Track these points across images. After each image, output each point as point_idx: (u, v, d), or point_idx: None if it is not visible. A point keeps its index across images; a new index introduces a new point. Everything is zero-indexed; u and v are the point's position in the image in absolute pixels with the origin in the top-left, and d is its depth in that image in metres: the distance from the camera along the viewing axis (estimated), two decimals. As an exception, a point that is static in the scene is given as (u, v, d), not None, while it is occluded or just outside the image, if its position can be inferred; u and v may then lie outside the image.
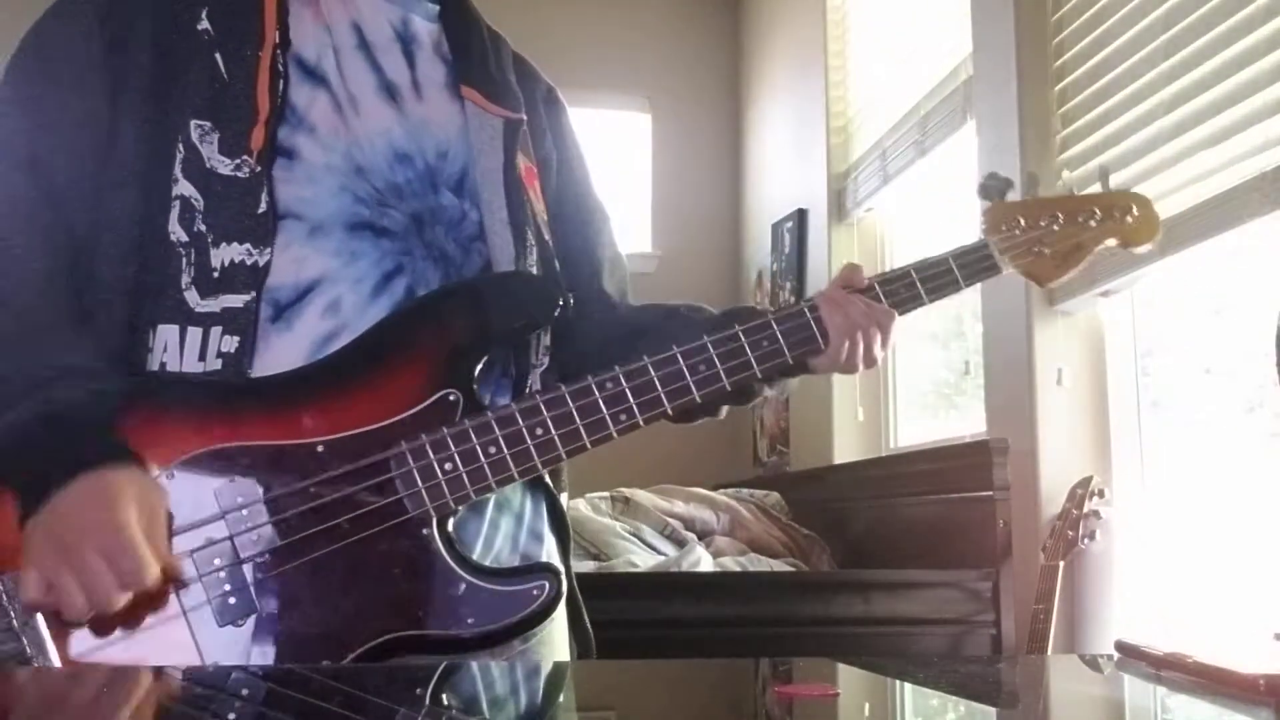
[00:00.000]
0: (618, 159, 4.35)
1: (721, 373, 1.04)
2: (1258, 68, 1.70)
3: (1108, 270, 2.01)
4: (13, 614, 0.87)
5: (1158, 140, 1.91)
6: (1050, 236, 1.17)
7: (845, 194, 3.40)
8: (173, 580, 0.89)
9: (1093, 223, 1.18)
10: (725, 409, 1.21)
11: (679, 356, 1.03)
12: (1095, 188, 1.24)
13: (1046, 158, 2.22)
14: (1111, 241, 1.19)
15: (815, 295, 1.11)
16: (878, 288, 1.12)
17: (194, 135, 0.98)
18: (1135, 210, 1.19)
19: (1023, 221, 1.16)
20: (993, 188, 1.18)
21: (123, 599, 0.86)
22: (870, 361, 1.11)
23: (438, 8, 1.14)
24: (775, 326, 1.07)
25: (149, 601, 0.88)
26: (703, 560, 2.38)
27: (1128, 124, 1.99)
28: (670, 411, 1.03)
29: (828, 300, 1.10)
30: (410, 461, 0.95)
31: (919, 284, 1.13)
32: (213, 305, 0.96)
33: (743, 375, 1.05)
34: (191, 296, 0.96)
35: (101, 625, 0.88)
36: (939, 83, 2.77)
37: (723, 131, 4.47)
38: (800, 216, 3.66)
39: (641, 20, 4.46)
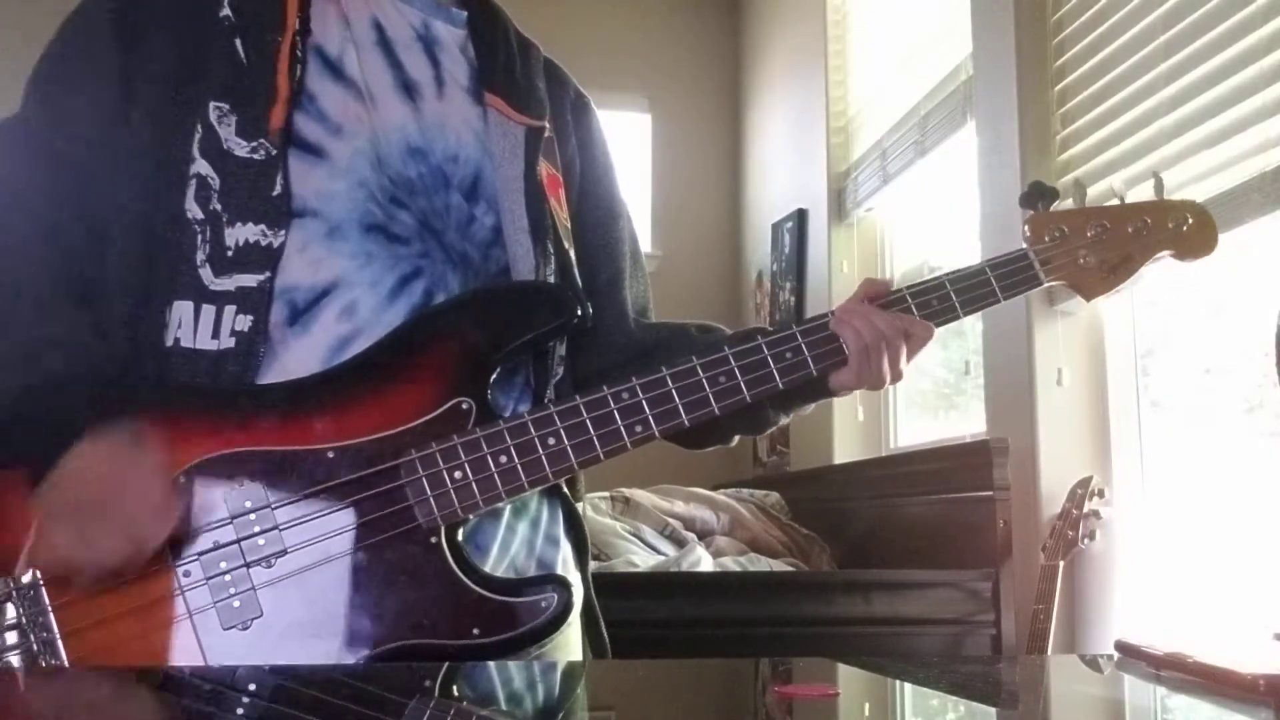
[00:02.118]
0: (618, 159, 4.35)
1: (742, 384, 1.01)
2: (1258, 68, 1.70)
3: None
4: (21, 613, 0.87)
5: (1158, 140, 1.91)
6: (1097, 248, 1.11)
7: (845, 194, 3.40)
8: (172, 540, 0.89)
9: (1144, 233, 1.11)
10: (737, 436, 1.19)
11: (699, 368, 1.00)
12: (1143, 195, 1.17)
13: (1046, 158, 2.22)
14: (1165, 253, 1.13)
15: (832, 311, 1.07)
16: (909, 299, 1.07)
17: (212, 116, 0.99)
18: (1190, 220, 1.12)
19: (1066, 231, 1.10)
20: (1035, 196, 1.12)
21: (138, 557, 0.88)
22: (896, 375, 1.06)
23: (465, 14, 1.14)
24: (800, 338, 1.04)
25: (150, 586, 0.89)
26: (703, 560, 2.38)
27: (1128, 124, 1.99)
28: (688, 423, 1.00)
29: (840, 313, 1.06)
30: (419, 470, 0.94)
31: (953, 295, 1.07)
32: (227, 284, 0.96)
33: (764, 388, 1.02)
34: (206, 274, 0.96)
35: (107, 621, 0.88)
36: (939, 83, 2.77)
37: (723, 131, 4.47)
38: (800, 216, 3.67)
39: (641, 20, 4.46)
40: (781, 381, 1.03)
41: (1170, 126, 1.88)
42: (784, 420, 1.15)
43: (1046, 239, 1.11)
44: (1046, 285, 1.11)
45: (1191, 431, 2.03)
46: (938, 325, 1.08)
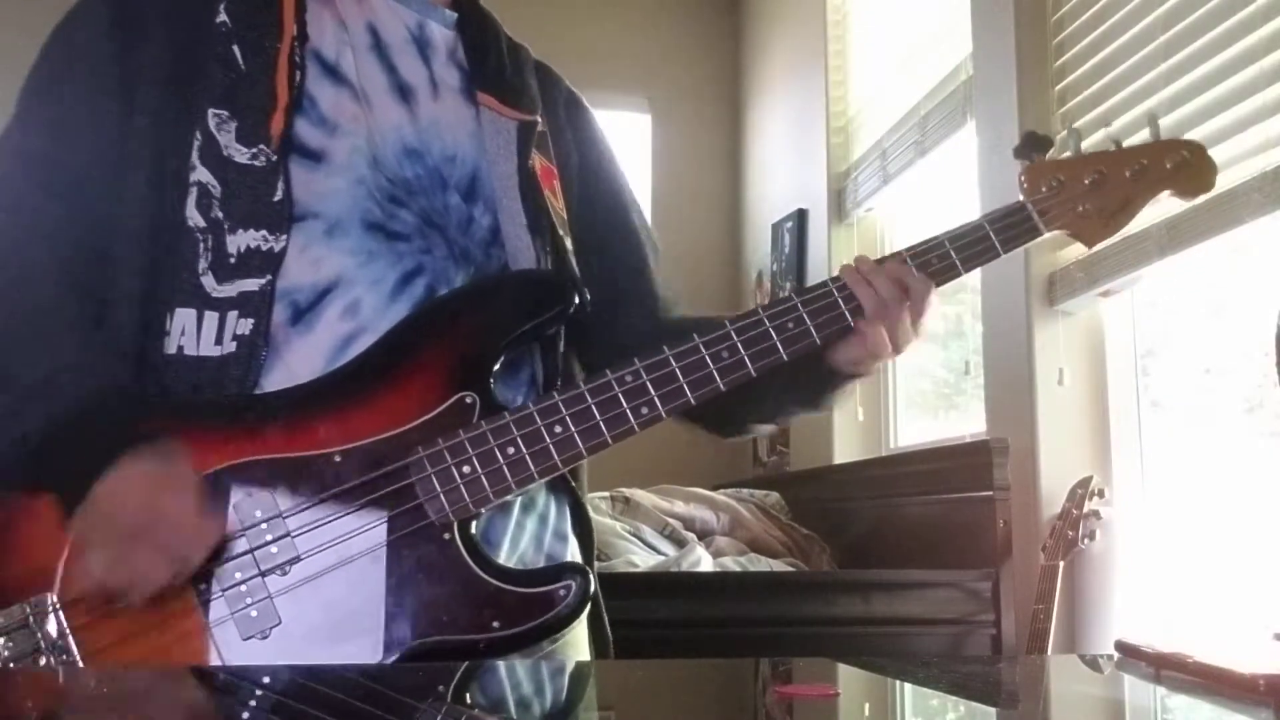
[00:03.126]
0: (619, 154, 4.35)
1: (746, 359, 1.00)
2: (1258, 68, 1.70)
3: (1108, 270, 2.01)
4: (39, 636, 0.87)
5: (1158, 140, 1.91)
6: (1095, 194, 1.09)
7: (845, 194, 3.40)
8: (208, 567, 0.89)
9: (1142, 176, 1.10)
10: (765, 427, 1.17)
11: (700, 345, 1.00)
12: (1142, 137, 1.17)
13: (1046, 158, 2.21)
14: (1165, 192, 1.11)
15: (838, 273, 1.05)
16: (909, 260, 1.06)
17: (211, 124, 0.99)
18: (1188, 157, 1.11)
19: (1063, 180, 1.10)
20: (1029, 147, 1.11)
21: (179, 579, 0.88)
22: (905, 337, 1.04)
23: (455, 16, 1.14)
24: (801, 307, 1.02)
25: (166, 601, 0.89)
26: (703, 560, 2.38)
27: (1127, 124, 1.99)
28: (694, 401, 0.99)
29: (851, 273, 1.03)
30: (428, 467, 0.94)
31: (953, 253, 1.06)
32: (230, 290, 0.96)
33: (769, 360, 1.00)
34: (209, 281, 0.96)
35: (125, 639, 0.88)
36: (939, 83, 2.77)
37: (723, 131, 4.47)
38: (800, 216, 3.66)
39: (641, 20, 4.46)
40: (785, 352, 1.01)
41: (1170, 127, 1.88)
42: (798, 412, 1.13)
43: (1044, 189, 1.10)
44: (1047, 235, 1.10)
45: (1191, 431, 2.03)
46: (939, 284, 1.06)
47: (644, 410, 0.98)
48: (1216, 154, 1.76)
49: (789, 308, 1.03)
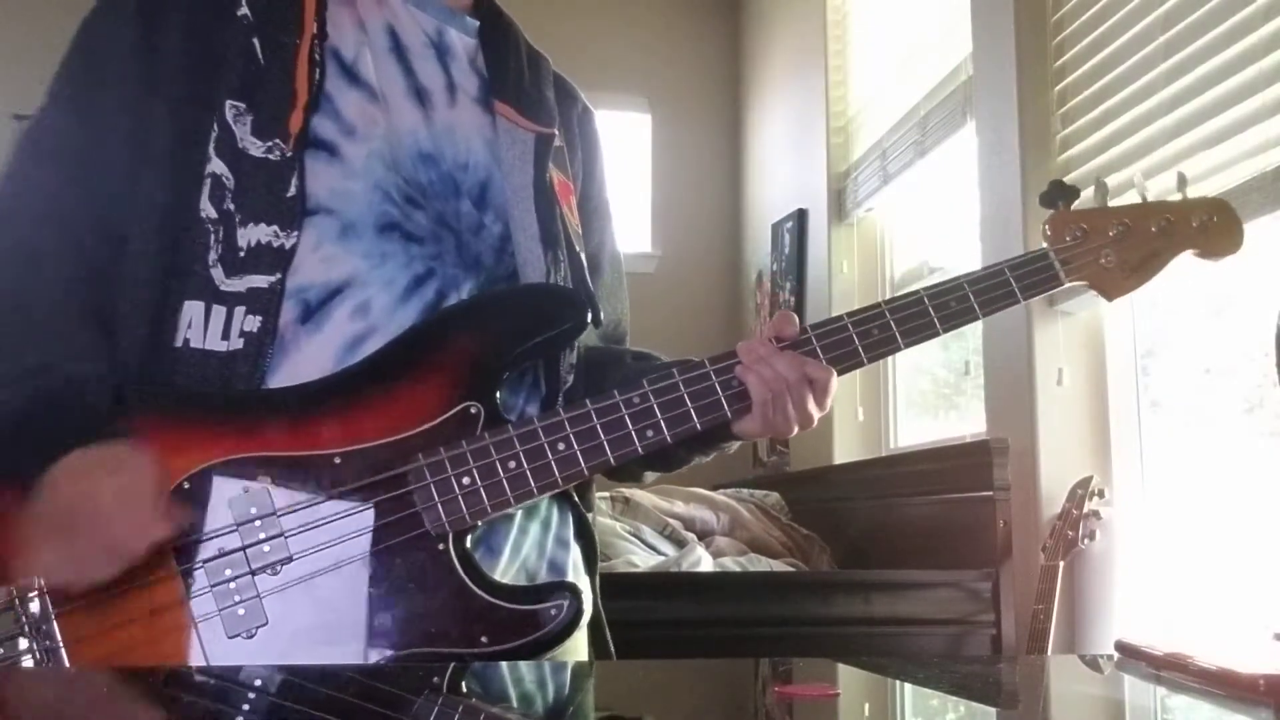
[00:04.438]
0: (618, 159, 4.36)
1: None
2: (1257, 68, 1.70)
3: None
4: (24, 621, 0.87)
5: (1158, 140, 1.91)
6: (1118, 247, 1.09)
7: (845, 194, 3.40)
8: (160, 545, 0.88)
9: (1167, 232, 1.10)
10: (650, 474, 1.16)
11: (712, 374, 1.01)
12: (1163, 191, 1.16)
13: (1046, 158, 2.22)
14: (1189, 251, 1.11)
15: (735, 350, 1.02)
16: (926, 300, 1.04)
17: (229, 115, 0.99)
18: (1215, 218, 1.10)
19: (1087, 230, 1.09)
20: (1056, 195, 1.11)
21: (110, 570, 0.86)
22: (805, 421, 1.02)
23: (477, 24, 1.14)
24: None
25: (154, 593, 0.88)
26: (703, 560, 2.38)
27: (1128, 124, 1.99)
28: (700, 427, 0.99)
29: (744, 356, 1.02)
30: (427, 476, 0.93)
31: (972, 296, 1.05)
32: (238, 285, 0.96)
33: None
34: (217, 274, 0.96)
35: (110, 629, 0.88)
36: (939, 83, 2.77)
37: (723, 131, 4.47)
38: (800, 216, 3.67)
39: (641, 20, 4.47)
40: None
41: (1170, 126, 1.88)
42: (699, 459, 1.13)
43: (1067, 238, 1.09)
44: (1067, 285, 1.09)
45: (1191, 431, 2.03)
46: (958, 327, 1.05)
47: (649, 433, 0.98)
48: (1216, 154, 1.78)
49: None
